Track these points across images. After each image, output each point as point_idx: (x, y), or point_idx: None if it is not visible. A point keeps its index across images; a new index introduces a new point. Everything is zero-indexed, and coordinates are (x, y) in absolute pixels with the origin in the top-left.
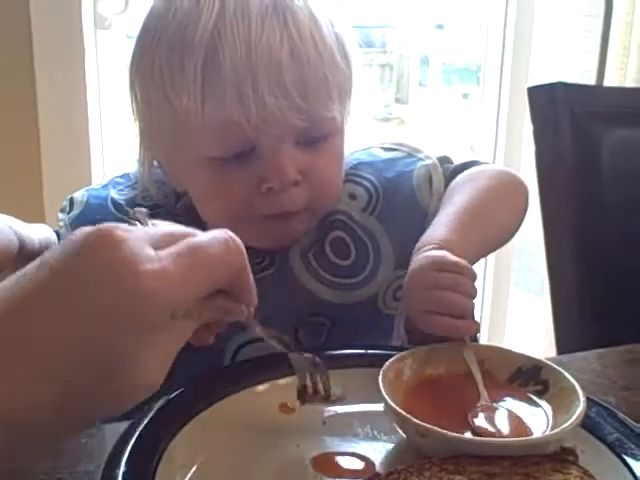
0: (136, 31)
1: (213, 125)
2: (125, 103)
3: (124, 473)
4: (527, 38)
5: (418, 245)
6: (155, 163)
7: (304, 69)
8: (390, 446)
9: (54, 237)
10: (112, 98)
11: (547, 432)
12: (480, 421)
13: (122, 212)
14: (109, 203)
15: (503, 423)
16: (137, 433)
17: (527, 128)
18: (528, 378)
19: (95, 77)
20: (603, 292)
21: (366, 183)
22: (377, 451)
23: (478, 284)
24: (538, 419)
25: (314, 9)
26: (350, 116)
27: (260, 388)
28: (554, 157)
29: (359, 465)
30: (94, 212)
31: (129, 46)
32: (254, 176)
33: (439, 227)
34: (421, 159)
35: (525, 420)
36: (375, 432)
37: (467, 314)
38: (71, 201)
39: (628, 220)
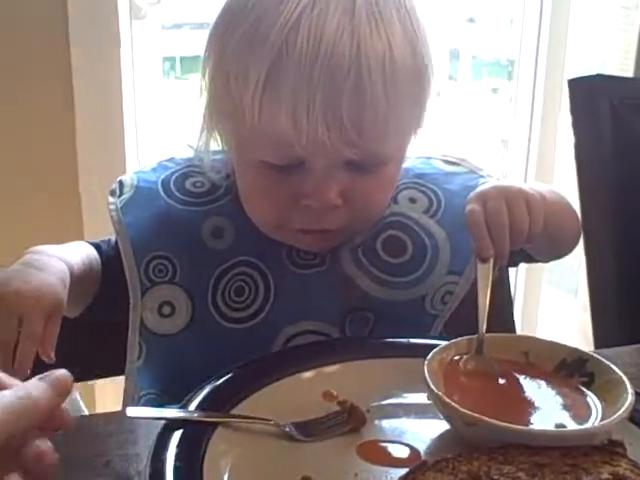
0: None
1: (266, 134)
2: (159, 93)
3: (177, 455)
4: (563, 31)
5: None
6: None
7: (365, 106)
8: (434, 435)
9: (94, 253)
10: (147, 88)
11: (596, 423)
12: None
13: (172, 197)
14: (159, 187)
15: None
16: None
17: (562, 122)
18: (573, 370)
19: (130, 67)
20: None
21: (427, 191)
22: (421, 440)
23: (510, 281)
24: (585, 410)
25: (397, 38)
26: (414, 138)
27: (306, 375)
28: (593, 149)
29: (404, 453)
30: (144, 196)
31: (164, 36)
32: (296, 189)
33: None
34: (482, 176)
35: (571, 411)
36: (419, 421)
37: (503, 241)
38: (121, 184)
39: None
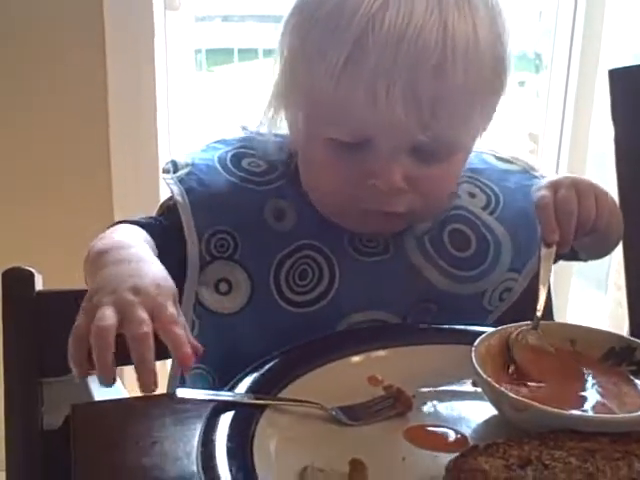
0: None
1: (340, 110)
2: (192, 82)
3: (229, 435)
4: (598, 23)
5: None
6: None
7: (445, 89)
8: (481, 420)
9: (145, 234)
10: (180, 78)
11: None
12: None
13: (232, 174)
14: (216, 164)
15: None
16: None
17: (595, 116)
18: (621, 358)
19: (164, 57)
20: None
21: (484, 187)
22: (468, 425)
23: None
24: (635, 398)
25: (483, 25)
26: (485, 132)
27: (352, 359)
28: (634, 140)
29: (452, 437)
30: (203, 171)
31: (197, 28)
32: (364, 168)
33: None
34: (536, 177)
35: (621, 398)
36: (466, 407)
37: (569, 227)
38: (174, 163)
39: None
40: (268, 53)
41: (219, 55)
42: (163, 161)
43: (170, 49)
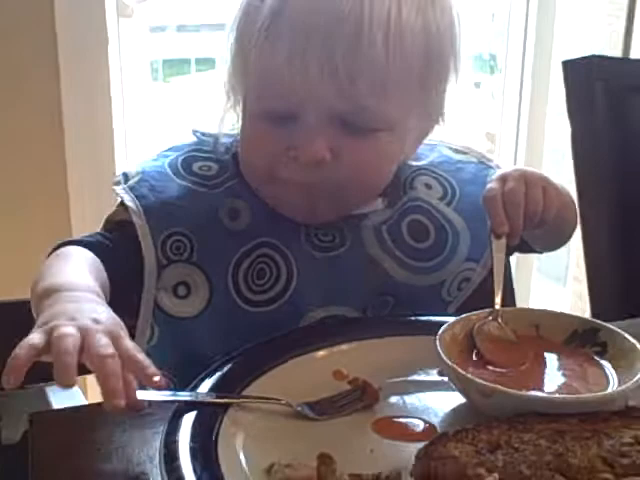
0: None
1: (265, 81)
2: (147, 89)
3: (192, 436)
4: (550, 24)
5: None
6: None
7: (362, 55)
8: (449, 409)
9: (90, 254)
10: (134, 85)
11: (613, 389)
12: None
13: (183, 179)
14: (167, 170)
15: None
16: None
17: (550, 114)
18: (585, 340)
19: (117, 64)
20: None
21: (440, 178)
22: (435, 415)
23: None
24: (600, 378)
25: (409, 5)
26: (432, 118)
27: (315, 355)
28: (590, 131)
29: (420, 427)
30: (154, 178)
31: (152, 38)
32: (288, 140)
33: None
34: (491, 167)
35: (587, 379)
36: (431, 397)
37: (517, 218)
38: (125, 175)
39: None
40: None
41: (175, 65)
42: (119, 168)
43: (125, 59)
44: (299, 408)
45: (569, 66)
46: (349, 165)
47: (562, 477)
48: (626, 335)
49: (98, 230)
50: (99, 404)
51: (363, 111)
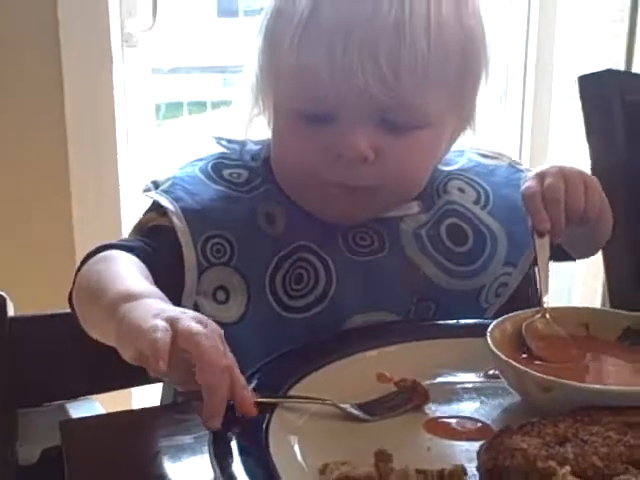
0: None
1: (303, 79)
2: (152, 118)
3: (241, 436)
4: (550, 43)
5: None
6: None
7: (405, 50)
8: (500, 410)
9: (137, 260)
10: (139, 114)
11: None
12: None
13: (212, 180)
14: (200, 175)
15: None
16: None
17: (553, 131)
18: (638, 337)
19: (122, 94)
20: None
21: (473, 183)
22: (488, 415)
23: None
24: None
25: (448, 3)
26: (471, 121)
27: (358, 357)
28: (608, 146)
29: (475, 426)
30: (187, 182)
31: (155, 63)
32: (329, 139)
33: None
34: (521, 170)
35: None
36: (482, 397)
37: (558, 215)
38: (154, 182)
39: None
40: (217, 105)
41: (169, 109)
42: (124, 195)
43: (130, 85)
44: (348, 409)
45: (584, 81)
46: (391, 164)
47: (636, 469)
48: None
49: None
50: (130, 411)
51: (405, 107)
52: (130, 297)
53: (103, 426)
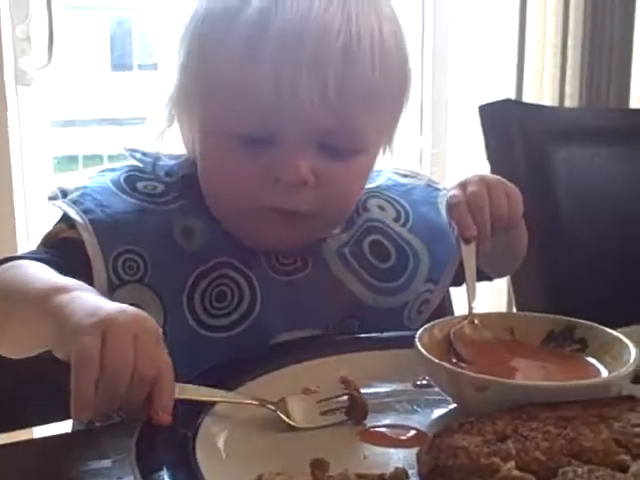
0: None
1: (244, 101)
2: (48, 157)
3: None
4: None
5: None
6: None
7: (352, 75)
8: (435, 416)
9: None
10: (34, 153)
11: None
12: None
13: (124, 192)
14: (111, 186)
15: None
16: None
17: (450, 154)
18: (563, 340)
19: (17, 133)
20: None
21: (392, 201)
22: (421, 423)
23: None
24: (588, 370)
25: (386, 23)
26: (390, 143)
27: (285, 371)
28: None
29: (410, 433)
30: (98, 193)
31: (51, 102)
32: (268, 164)
33: None
34: (439, 189)
35: (575, 372)
36: (414, 406)
37: (484, 221)
38: (62, 190)
39: (584, 233)
40: (113, 159)
41: (64, 162)
42: (20, 235)
43: (24, 124)
44: (278, 411)
45: (485, 110)
46: (330, 188)
47: (578, 461)
48: (605, 329)
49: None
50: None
51: (347, 131)
52: (60, 290)
53: (8, 455)
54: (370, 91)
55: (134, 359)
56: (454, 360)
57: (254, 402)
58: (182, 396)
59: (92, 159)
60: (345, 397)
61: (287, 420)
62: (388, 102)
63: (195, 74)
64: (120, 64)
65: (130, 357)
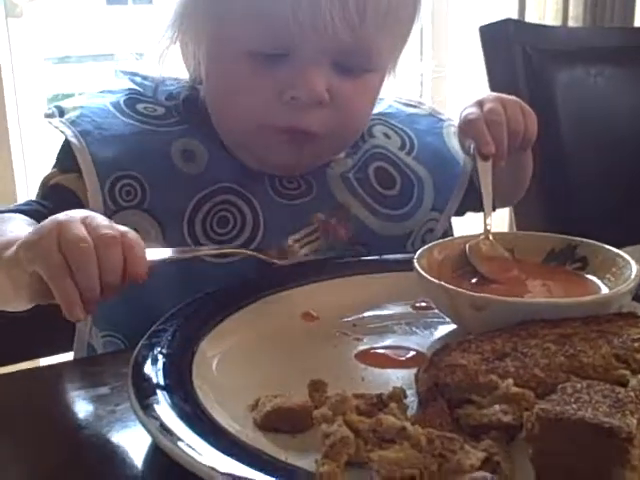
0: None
1: (261, 15)
2: (38, 92)
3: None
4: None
5: None
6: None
7: None
8: (433, 337)
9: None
10: (28, 89)
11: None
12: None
13: (129, 117)
14: (110, 107)
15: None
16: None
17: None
18: (564, 258)
19: (9, 65)
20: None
21: (396, 129)
22: (420, 344)
23: None
24: (589, 287)
25: None
26: (395, 65)
27: (287, 294)
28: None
29: (408, 354)
30: (96, 114)
31: (44, 37)
32: (283, 81)
33: None
34: (443, 120)
35: (576, 289)
36: (413, 328)
37: (501, 137)
38: (59, 108)
39: (586, 154)
40: None
41: (60, 100)
42: (17, 165)
43: (16, 55)
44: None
45: (486, 31)
46: (343, 107)
47: (577, 377)
48: (606, 246)
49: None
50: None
51: (362, 50)
52: (8, 244)
53: (10, 383)
54: (388, 9)
55: (91, 240)
56: (474, 280)
57: (229, 250)
58: (158, 257)
59: None
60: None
61: (265, 258)
62: (402, 22)
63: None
64: None
65: (88, 240)
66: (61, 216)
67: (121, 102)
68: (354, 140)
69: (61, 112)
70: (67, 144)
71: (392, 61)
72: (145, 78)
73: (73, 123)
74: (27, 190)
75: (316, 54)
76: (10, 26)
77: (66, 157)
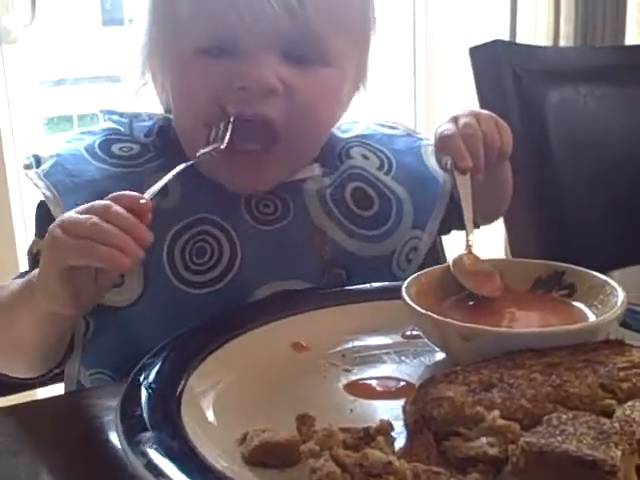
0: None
1: (204, 12)
2: (38, 118)
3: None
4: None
5: None
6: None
7: None
8: (423, 367)
9: None
10: (23, 113)
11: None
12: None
13: (103, 162)
14: (84, 153)
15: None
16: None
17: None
18: (551, 285)
19: (4, 91)
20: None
21: (375, 150)
22: (409, 374)
23: None
24: (576, 315)
25: None
26: (365, 78)
27: (275, 325)
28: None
29: (397, 385)
30: (70, 162)
31: (39, 61)
32: (232, 73)
33: None
34: (421, 139)
35: (563, 317)
36: (402, 357)
37: (477, 151)
38: (36, 158)
39: (576, 173)
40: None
41: (58, 122)
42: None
43: (10, 82)
44: None
45: (476, 53)
46: (298, 98)
47: (564, 407)
48: (594, 273)
49: None
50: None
51: (307, 38)
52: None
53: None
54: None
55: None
56: (471, 303)
57: None
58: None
59: (87, 118)
60: None
61: None
62: (352, 15)
63: (162, 9)
64: (111, 19)
65: (90, 217)
66: (52, 228)
67: (96, 145)
68: (321, 142)
69: (38, 162)
70: (42, 203)
71: (353, 66)
72: (122, 115)
73: (47, 175)
74: (23, 215)
75: (263, 45)
76: (4, 52)
77: (42, 220)
